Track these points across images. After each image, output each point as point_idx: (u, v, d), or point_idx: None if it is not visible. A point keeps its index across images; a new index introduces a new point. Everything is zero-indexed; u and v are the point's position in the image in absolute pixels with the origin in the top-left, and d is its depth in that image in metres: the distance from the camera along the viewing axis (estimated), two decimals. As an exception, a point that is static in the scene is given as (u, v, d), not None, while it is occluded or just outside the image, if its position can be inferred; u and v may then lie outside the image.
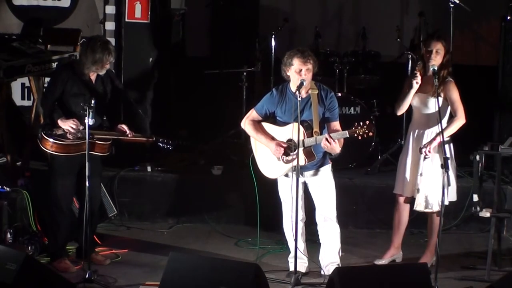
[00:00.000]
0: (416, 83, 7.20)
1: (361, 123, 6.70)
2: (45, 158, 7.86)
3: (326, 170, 7.14)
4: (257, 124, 7.18)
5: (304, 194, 7.21)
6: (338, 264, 7.17)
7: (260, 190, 7.57)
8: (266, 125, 7.17)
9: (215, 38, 10.85)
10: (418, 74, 7.22)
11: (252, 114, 7.21)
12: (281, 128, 7.08)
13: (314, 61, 6.97)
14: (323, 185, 7.13)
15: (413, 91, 7.23)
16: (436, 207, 7.19)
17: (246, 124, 7.22)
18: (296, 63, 6.92)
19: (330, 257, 7.20)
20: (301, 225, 7.20)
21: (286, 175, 7.10)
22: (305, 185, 7.18)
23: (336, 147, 6.85)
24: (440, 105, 7.13)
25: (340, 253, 7.27)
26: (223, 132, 9.74)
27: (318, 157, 7.04)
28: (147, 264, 7.52)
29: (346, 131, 6.78)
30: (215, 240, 8.27)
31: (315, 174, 7.11)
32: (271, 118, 7.17)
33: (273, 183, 7.35)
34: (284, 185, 7.17)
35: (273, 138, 7.08)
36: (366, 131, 6.69)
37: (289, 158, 7.01)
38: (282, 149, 7.01)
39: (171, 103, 10.06)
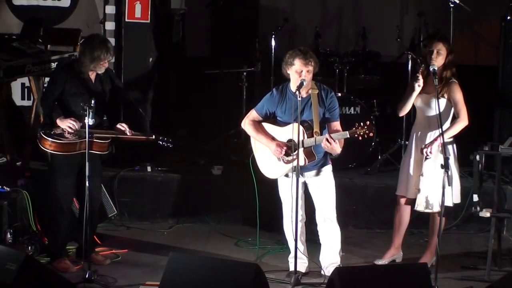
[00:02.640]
0: (418, 85, 7.18)
1: (362, 124, 6.70)
2: (45, 158, 7.86)
3: (327, 171, 7.14)
4: (257, 124, 7.18)
5: (304, 194, 7.21)
6: (339, 265, 7.17)
7: (260, 190, 7.57)
8: (266, 125, 7.17)
9: (215, 38, 10.85)
10: (420, 77, 7.20)
11: (252, 114, 7.21)
12: (281, 128, 7.07)
13: (316, 62, 6.96)
14: (323, 186, 7.13)
15: (415, 93, 7.22)
16: (436, 208, 7.18)
17: (246, 124, 7.21)
18: (297, 63, 6.92)
19: (331, 258, 7.20)
20: (300, 225, 7.20)
21: (286, 175, 7.10)
22: (305, 185, 7.18)
23: (336, 148, 6.85)
24: (443, 106, 7.13)
25: (340, 254, 7.27)
26: (223, 132, 9.74)
27: (319, 157, 7.03)
28: (147, 264, 7.52)
29: (347, 132, 6.78)
30: (215, 240, 8.27)
31: (316, 174, 7.11)
32: (271, 118, 7.17)
33: (273, 183, 7.34)
34: (284, 185, 7.17)
35: (273, 138, 7.08)
36: (367, 132, 6.69)
37: (289, 158, 7.00)
38: (283, 149, 7.01)
39: (171, 103, 10.06)
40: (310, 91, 7.00)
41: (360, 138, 6.72)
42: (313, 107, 6.96)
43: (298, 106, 6.78)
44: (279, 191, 7.24)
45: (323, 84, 7.19)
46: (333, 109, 7.03)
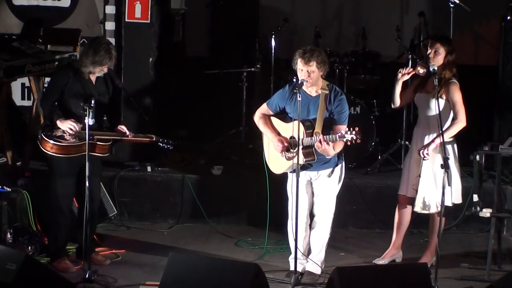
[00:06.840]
0: (400, 73, 7.20)
1: (351, 129, 6.69)
2: (45, 158, 7.85)
3: (337, 171, 7.14)
4: (266, 118, 7.20)
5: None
6: (321, 263, 7.21)
7: (261, 191, 7.58)
8: (274, 120, 7.19)
9: (215, 38, 10.86)
10: (406, 69, 7.22)
11: (263, 107, 7.24)
12: (285, 124, 7.09)
13: (321, 61, 6.90)
14: (326, 186, 7.13)
15: (399, 82, 7.23)
16: (433, 209, 7.20)
17: (256, 117, 7.24)
18: (299, 63, 6.93)
19: (313, 255, 7.21)
20: (304, 226, 7.20)
21: (294, 171, 7.07)
22: (311, 183, 7.19)
23: (329, 150, 6.83)
24: (442, 106, 7.12)
25: (324, 254, 7.25)
26: (223, 132, 9.74)
27: (322, 158, 7.01)
28: (147, 264, 7.52)
29: (337, 135, 6.78)
30: (215, 240, 8.27)
31: (325, 174, 7.10)
32: (283, 113, 7.17)
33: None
34: (291, 182, 7.15)
35: (278, 133, 7.11)
36: (354, 138, 6.68)
37: (289, 155, 7.02)
38: (283, 145, 7.02)
39: (171, 103, 10.06)
40: (320, 91, 7.00)
41: (349, 143, 6.72)
42: (319, 107, 6.96)
43: (299, 106, 6.78)
44: (287, 188, 7.24)
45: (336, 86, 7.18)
46: (339, 112, 6.99)
